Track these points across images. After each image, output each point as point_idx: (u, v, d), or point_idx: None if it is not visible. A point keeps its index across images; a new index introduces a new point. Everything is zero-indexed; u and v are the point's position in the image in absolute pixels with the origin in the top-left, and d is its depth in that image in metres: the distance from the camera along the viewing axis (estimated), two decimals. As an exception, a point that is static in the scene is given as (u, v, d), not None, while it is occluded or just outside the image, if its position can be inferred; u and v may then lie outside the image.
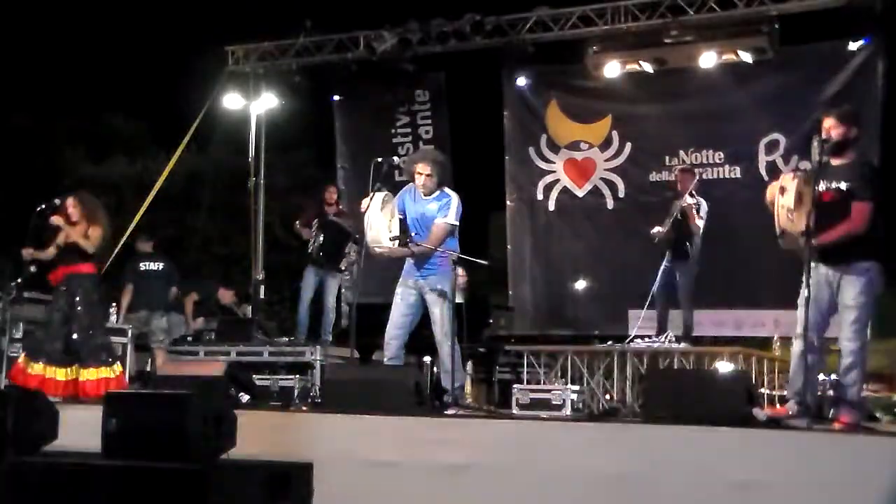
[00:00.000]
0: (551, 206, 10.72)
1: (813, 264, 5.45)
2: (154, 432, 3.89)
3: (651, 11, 9.73)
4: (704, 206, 8.76)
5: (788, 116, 9.48)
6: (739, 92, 9.75)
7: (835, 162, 5.62)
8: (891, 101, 9.10)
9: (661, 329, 8.89)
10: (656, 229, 8.79)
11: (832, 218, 5.46)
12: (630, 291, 9.56)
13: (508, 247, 11.05)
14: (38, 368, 7.38)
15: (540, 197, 10.78)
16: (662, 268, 8.94)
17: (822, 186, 5.53)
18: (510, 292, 11.01)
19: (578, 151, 10.65)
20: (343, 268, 9.62)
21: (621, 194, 10.31)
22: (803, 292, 5.38)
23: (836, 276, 5.53)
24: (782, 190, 5.53)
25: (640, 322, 9.05)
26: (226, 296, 10.94)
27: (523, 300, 10.83)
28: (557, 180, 10.71)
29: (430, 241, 6.66)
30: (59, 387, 7.30)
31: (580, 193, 10.55)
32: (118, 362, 7.85)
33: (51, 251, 7.62)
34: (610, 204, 10.39)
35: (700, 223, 8.68)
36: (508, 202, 11.00)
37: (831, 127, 5.61)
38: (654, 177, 10.16)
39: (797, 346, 5.62)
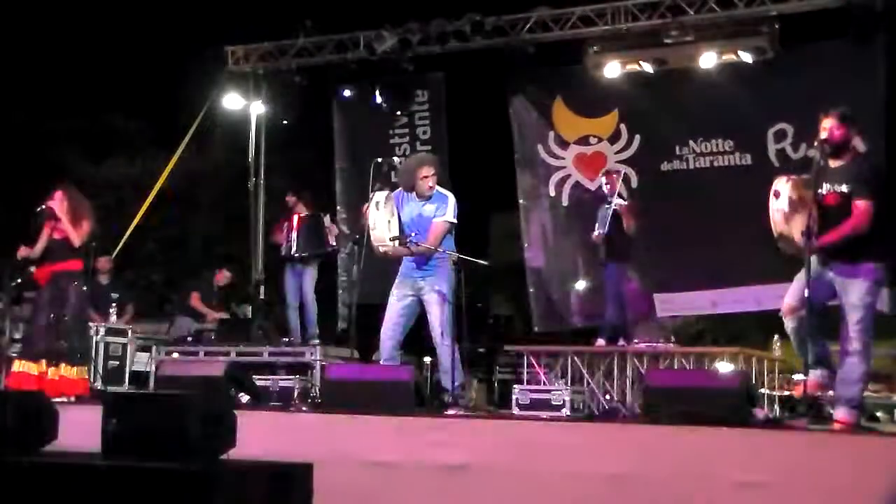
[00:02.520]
0: (565, 202, 10.72)
1: (813, 258, 5.48)
2: (154, 432, 3.88)
3: (651, 11, 9.73)
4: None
5: (793, 108, 9.49)
6: (742, 86, 9.75)
7: (834, 164, 5.62)
8: (893, 101, 9.11)
9: (617, 333, 8.97)
10: (596, 233, 9.00)
11: (836, 220, 5.46)
12: (652, 277, 9.90)
13: (525, 245, 11.05)
14: (25, 366, 7.36)
15: (552, 193, 10.78)
16: (606, 273, 9.16)
17: (824, 189, 5.54)
18: (530, 290, 10.99)
19: (587, 146, 10.65)
20: (334, 244, 9.63)
21: (634, 185, 10.29)
22: (800, 279, 5.50)
23: (842, 277, 5.51)
24: (776, 194, 5.55)
25: (664, 305, 9.74)
26: (222, 278, 10.93)
27: (541, 296, 10.89)
28: (569, 175, 10.71)
29: (429, 240, 6.68)
30: (57, 385, 7.29)
31: (592, 186, 10.51)
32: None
33: (39, 248, 7.57)
34: (624, 194, 10.38)
35: (633, 223, 8.90)
36: (521, 200, 10.98)
37: (833, 127, 5.61)
38: (665, 166, 10.17)
39: (789, 323, 5.70)
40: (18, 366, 7.42)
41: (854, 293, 5.48)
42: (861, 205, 5.42)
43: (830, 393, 5.95)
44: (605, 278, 9.26)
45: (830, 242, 5.45)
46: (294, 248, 9.69)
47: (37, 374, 7.32)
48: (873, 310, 5.52)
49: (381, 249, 6.73)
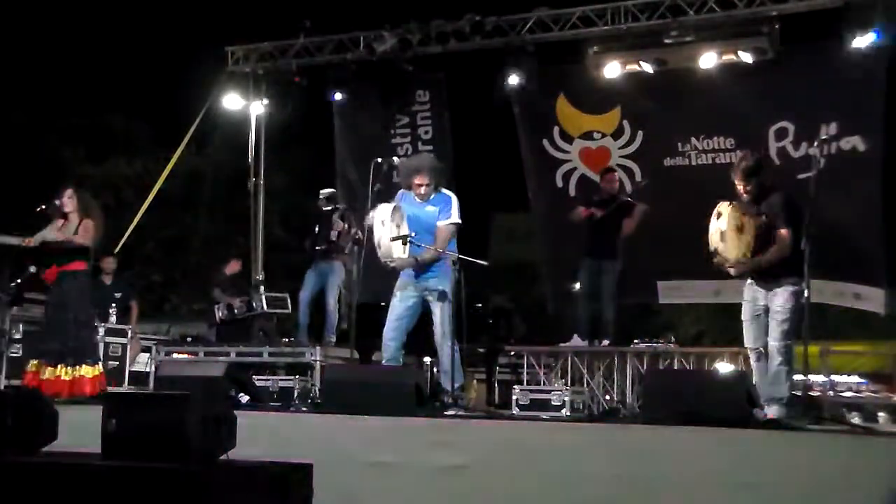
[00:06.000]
0: (572, 192, 10.73)
1: (749, 281, 6.44)
2: (154, 432, 3.88)
3: (651, 12, 9.72)
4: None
5: (793, 107, 9.53)
6: (743, 85, 9.77)
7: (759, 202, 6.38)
8: (892, 100, 9.12)
9: (596, 333, 8.99)
10: (598, 213, 9.15)
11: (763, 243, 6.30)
12: (655, 265, 10.02)
13: (539, 237, 11.15)
14: (39, 367, 7.37)
15: (560, 185, 10.81)
16: (586, 268, 9.22)
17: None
18: (548, 284, 11.06)
19: (592, 141, 10.67)
20: (334, 239, 9.62)
21: (638, 178, 10.32)
22: (746, 308, 6.44)
23: (768, 292, 6.31)
24: (717, 215, 6.32)
25: (668, 292, 10.19)
26: (234, 268, 10.92)
27: (554, 282, 11.00)
28: (575, 168, 10.72)
29: (437, 244, 6.69)
30: (60, 386, 7.29)
31: (598, 179, 10.52)
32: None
33: (37, 238, 7.54)
34: (628, 187, 10.39)
35: (633, 225, 9.15)
36: (530, 194, 11.02)
37: (742, 187, 6.41)
38: (668, 162, 10.21)
39: (753, 356, 6.45)
40: (33, 367, 7.42)
41: (777, 301, 6.25)
42: (784, 233, 6.22)
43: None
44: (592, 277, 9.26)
45: (763, 263, 6.29)
46: (313, 245, 9.76)
47: (51, 377, 7.32)
48: (796, 315, 6.21)
49: (391, 265, 6.74)
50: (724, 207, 6.35)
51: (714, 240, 6.34)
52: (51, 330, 7.48)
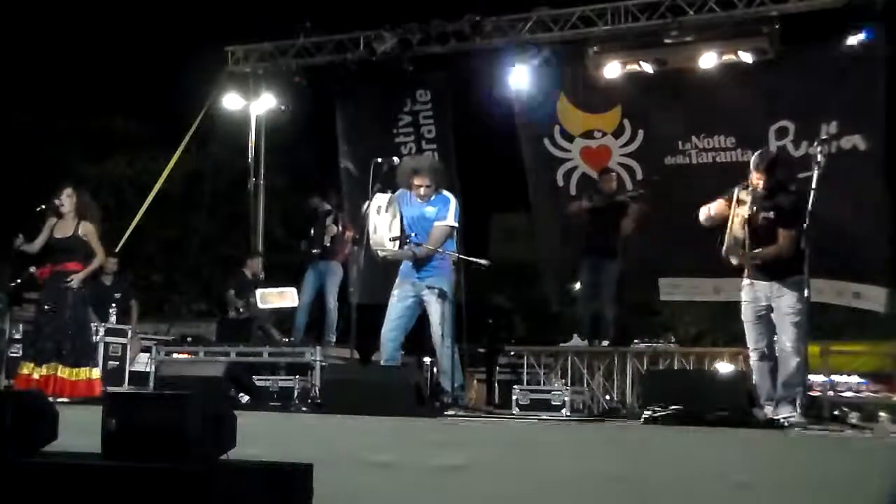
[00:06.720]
0: (573, 191, 10.73)
1: (748, 281, 6.41)
2: (154, 432, 3.88)
3: (651, 12, 9.73)
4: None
5: (794, 106, 9.54)
6: (743, 85, 9.79)
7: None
8: (892, 100, 9.12)
9: (596, 333, 9.00)
10: (585, 204, 9.29)
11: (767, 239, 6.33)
12: (656, 263, 10.07)
13: (539, 236, 11.19)
14: (30, 368, 7.36)
15: (561, 183, 10.82)
16: (586, 267, 9.24)
17: (754, 210, 6.35)
18: (548, 283, 11.10)
19: (593, 140, 10.68)
20: (328, 244, 9.64)
21: (639, 177, 10.36)
22: (747, 309, 6.43)
23: (772, 291, 6.33)
24: (739, 201, 6.33)
25: (669, 289, 10.19)
26: (255, 265, 10.90)
27: (555, 282, 11.07)
28: (576, 167, 10.73)
29: (430, 242, 6.68)
30: (60, 386, 7.29)
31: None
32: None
33: (38, 243, 7.55)
34: (629, 185, 10.39)
35: (632, 224, 9.14)
36: (531, 192, 11.02)
37: (764, 182, 6.33)
38: (669, 160, 10.21)
39: (755, 356, 6.46)
40: (25, 368, 7.41)
41: (785, 301, 6.26)
42: (787, 233, 6.24)
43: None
44: (587, 271, 9.29)
45: (765, 257, 6.30)
46: (309, 247, 9.78)
47: (38, 376, 7.31)
48: (806, 314, 6.22)
49: (381, 253, 6.73)
50: (744, 195, 6.33)
51: (736, 229, 6.31)
52: (47, 330, 7.45)
